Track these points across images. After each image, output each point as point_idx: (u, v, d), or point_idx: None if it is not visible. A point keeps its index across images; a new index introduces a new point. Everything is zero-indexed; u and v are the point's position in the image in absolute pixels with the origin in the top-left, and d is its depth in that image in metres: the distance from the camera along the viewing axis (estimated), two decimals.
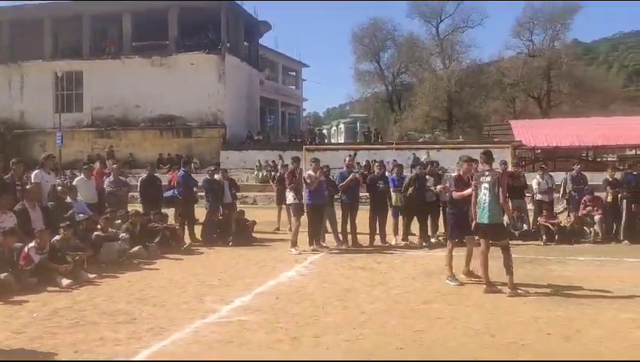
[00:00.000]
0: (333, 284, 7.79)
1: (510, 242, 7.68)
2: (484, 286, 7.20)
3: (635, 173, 11.86)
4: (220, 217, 12.09)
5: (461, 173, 8.11)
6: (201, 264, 9.59)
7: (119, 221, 10.66)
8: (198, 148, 31.06)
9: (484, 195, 7.25)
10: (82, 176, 11.74)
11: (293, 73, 52.97)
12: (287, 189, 11.21)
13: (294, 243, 10.54)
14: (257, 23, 38.18)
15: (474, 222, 7.51)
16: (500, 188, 7.18)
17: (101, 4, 32.31)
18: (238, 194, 15.49)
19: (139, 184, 12.42)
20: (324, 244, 11.19)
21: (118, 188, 11.92)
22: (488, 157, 7.66)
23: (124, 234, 9.99)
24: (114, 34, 34.64)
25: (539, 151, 30.05)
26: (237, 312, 6.30)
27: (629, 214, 11.63)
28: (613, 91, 50.45)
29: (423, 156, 25.63)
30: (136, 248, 9.81)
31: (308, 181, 10.69)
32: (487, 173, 7.40)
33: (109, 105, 32.18)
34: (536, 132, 28.69)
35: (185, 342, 5.27)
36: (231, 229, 11.75)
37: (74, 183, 11.88)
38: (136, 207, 12.45)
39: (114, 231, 9.95)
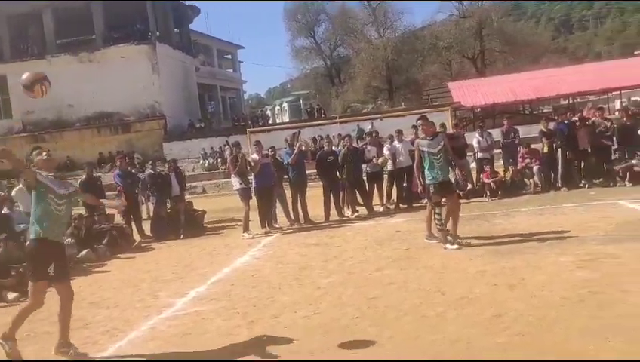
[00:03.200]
0: (288, 264, 7.85)
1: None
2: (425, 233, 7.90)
3: (566, 121, 12.38)
4: (169, 210, 11.90)
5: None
6: (154, 260, 9.45)
7: None
8: (139, 142, 30.31)
9: (433, 158, 7.56)
10: (21, 185, 11.26)
11: (229, 56, 52.14)
12: (233, 175, 11.12)
13: (246, 228, 10.51)
14: (185, 8, 37.25)
15: (420, 186, 7.80)
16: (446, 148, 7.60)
17: (15, 4, 30.61)
18: (186, 184, 15.30)
19: (78, 186, 12.01)
20: (276, 226, 11.22)
21: None
22: (426, 121, 7.89)
23: (69, 239, 9.67)
24: (35, 33, 33.07)
25: (479, 110, 30.84)
26: (193, 304, 6.26)
27: (565, 162, 12.16)
28: (543, 44, 52.03)
29: (367, 127, 25.88)
30: (83, 252, 9.56)
31: (252, 165, 10.65)
32: (430, 136, 7.67)
33: (40, 108, 30.67)
34: (474, 92, 29.38)
35: (142, 339, 5.21)
36: (180, 221, 11.59)
37: (12, 194, 11.40)
38: (79, 210, 12.07)
39: None
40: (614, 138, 12.08)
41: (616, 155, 12.09)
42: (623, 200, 9.53)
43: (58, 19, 31.45)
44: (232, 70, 52.20)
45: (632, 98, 32.93)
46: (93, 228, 10.41)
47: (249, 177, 10.99)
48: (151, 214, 12.97)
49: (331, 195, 11.59)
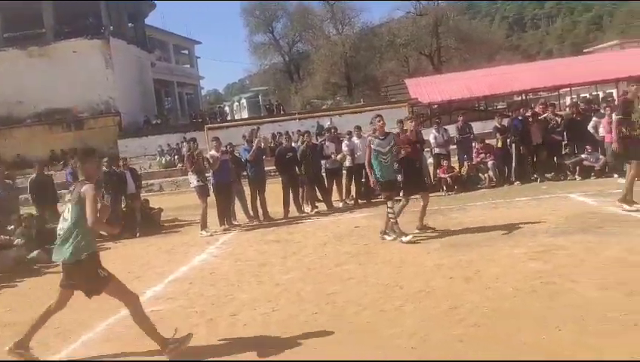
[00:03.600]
0: (247, 261, 7.79)
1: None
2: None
3: (520, 117, 12.70)
4: (124, 208, 11.64)
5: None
6: (109, 259, 9.09)
7: (12, 227, 9.96)
8: (92, 139, 29.33)
9: (381, 157, 7.71)
10: None
11: (186, 51, 51.36)
12: (190, 172, 10.96)
13: (204, 226, 10.38)
14: (140, 2, 36.41)
15: (372, 181, 7.92)
16: (396, 147, 7.72)
17: None
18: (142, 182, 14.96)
19: (28, 185, 11.65)
20: (235, 223, 11.13)
21: (6, 192, 11.09)
22: (382, 120, 7.99)
23: (19, 239, 9.37)
24: None
25: (435, 106, 31.35)
26: (150, 303, 6.12)
27: (518, 157, 12.51)
28: (497, 42, 53.34)
29: (326, 123, 25.95)
30: (34, 252, 9.24)
31: (211, 161, 10.52)
32: (382, 136, 7.76)
33: None
34: (431, 88, 29.86)
35: (96, 341, 5.08)
36: (136, 220, 11.35)
37: None
38: (29, 209, 11.68)
39: (7, 238, 9.30)
40: (565, 133, 12.50)
41: (567, 150, 12.51)
42: (573, 194, 9.86)
43: (5, 13, 30.26)
44: (189, 66, 51.42)
45: (581, 95, 34.08)
46: (45, 227, 10.07)
47: (207, 174, 10.85)
48: None
49: (290, 192, 11.57)
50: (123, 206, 11.68)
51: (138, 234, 11.06)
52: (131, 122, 31.42)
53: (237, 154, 11.78)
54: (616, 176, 10.90)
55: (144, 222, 11.39)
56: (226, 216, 10.84)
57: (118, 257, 9.35)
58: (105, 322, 5.59)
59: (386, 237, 7.91)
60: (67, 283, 4.54)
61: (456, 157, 13.82)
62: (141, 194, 12.88)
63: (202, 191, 10.53)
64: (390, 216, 7.72)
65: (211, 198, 10.69)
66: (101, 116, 30.44)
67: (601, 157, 11.71)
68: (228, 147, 11.49)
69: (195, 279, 7.05)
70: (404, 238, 7.53)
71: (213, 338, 4.78)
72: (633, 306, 4.28)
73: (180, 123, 36.76)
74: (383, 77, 45.02)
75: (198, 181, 10.58)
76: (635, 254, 5.74)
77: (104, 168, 12.12)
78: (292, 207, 11.62)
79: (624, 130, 7.98)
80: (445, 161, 12.73)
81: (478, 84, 29.06)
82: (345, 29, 43.33)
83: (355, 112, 26.63)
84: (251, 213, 11.24)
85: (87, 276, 4.46)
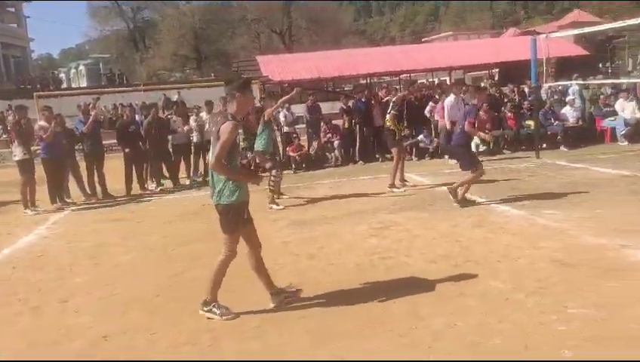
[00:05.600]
0: (81, 242, 7.21)
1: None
2: None
3: (363, 100, 13.27)
4: None
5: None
6: None
7: None
8: None
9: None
10: None
11: (12, 9, 45.72)
12: (15, 144, 9.80)
13: (27, 204, 9.40)
14: None
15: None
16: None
17: None
18: None
19: None
20: (69, 201, 10.23)
21: None
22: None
23: None
24: None
25: (286, 85, 31.59)
26: None
27: (362, 137, 13.10)
28: (345, 26, 55.28)
29: (174, 96, 24.94)
30: None
31: (41, 133, 9.50)
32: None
33: None
34: (282, 67, 29.98)
35: None
36: None
37: None
38: None
39: None
40: (403, 116, 13.30)
41: (405, 133, 13.35)
42: (410, 174, 10.57)
43: None
44: (16, 25, 45.90)
45: (419, 81, 36.70)
46: None
47: (36, 147, 9.79)
48: None
49: (134, 168, 10.91)
50: None
51: None
52: None
53: (69, 126, 10.77)
54: (446, 157, 11.93)
55: None
56: (58, 193, 9.91)
57: None
58: None
59: (273, 207, 8.31)
60: None
61: (305, 137, 14.10)
62: None
63: (25, 166, 9.46)
64: (271, 185, 8.36)
65: (41, 174, 9.70)
66: None
67: (434, 139, 12.70)
68: (57, 118, 10.46)
69: (19, 263, 6.36)
70: (274, 206, 8.31)
71: (36, 328, 4.34)
72: (458, 277, 4.70)
73: (4, 88, 32.78)
74: (235, 52, 44.35)
75: (24, 154, 9.49)
76: (460, 228, 6.32)
77: None
78: (135, 184, 10.98)
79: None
80: (297, 139, 12.93)
81: (327, 66, 29.78)
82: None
83: (206, 87, 25.89)
84: (88, 190, 10.40)
85: None
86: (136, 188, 10.96)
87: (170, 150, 11.55)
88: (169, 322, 4.25)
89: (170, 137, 11.47)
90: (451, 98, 11.64)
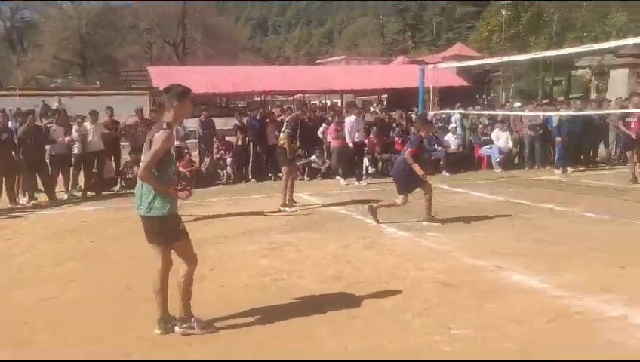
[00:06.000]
0: None
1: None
2: None
3: (257, 117, 13.22)
4: None
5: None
6: None
7: None
8: None
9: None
10: None
11: None
12: None
13: None
14: None
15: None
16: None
17: None
18: None
19: None
20: None
21: None
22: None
23: None
24: None
25: None
26: None
27: (256, 155, 13.03)
28: (241, 42, 55.24)
29: (54, 103, 23.36)
30: None
31: None
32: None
33: None
34: (174, 79, 29.00)
35: None
36: None
37: None
38: None
39: None
40: (296, 135, 13.42)
41: (298, 152, 13.47)
42: (301, 193, 10.63)
43: None
44: None
45: (312, 102, 37.42)
46: None
47: None
48: None
49: (4, 179, 9.97)
50: None
51: None
52: None
53: None
54: (337, 178, 12.19)
55: None
56: None
57: None
58: None
59: None
60: None
61: (197, 152, 13.75)
62: None
63: None
64: None
65: None
66: None
67: (327, 160, 12.93)
68: None
69: None
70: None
71: None
72: (349, 298, 4.75)
73: None
74: (123, 60, 42.53)
75: None
76: (350, 249, 6.43)
77: None
78: (4, 197, 10.03)
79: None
80: (189, 155, 12.56)
81: (222, 81, 29.49)
82: (82, 2, 39.61)
83: (91, 95, 24.51)
84: None
85: None
86: (5, 201, 10.01)
87: (48, 161, 10.72)
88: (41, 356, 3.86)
89: (47, 147, 10.65)
90: (352, 118, 12.02)
